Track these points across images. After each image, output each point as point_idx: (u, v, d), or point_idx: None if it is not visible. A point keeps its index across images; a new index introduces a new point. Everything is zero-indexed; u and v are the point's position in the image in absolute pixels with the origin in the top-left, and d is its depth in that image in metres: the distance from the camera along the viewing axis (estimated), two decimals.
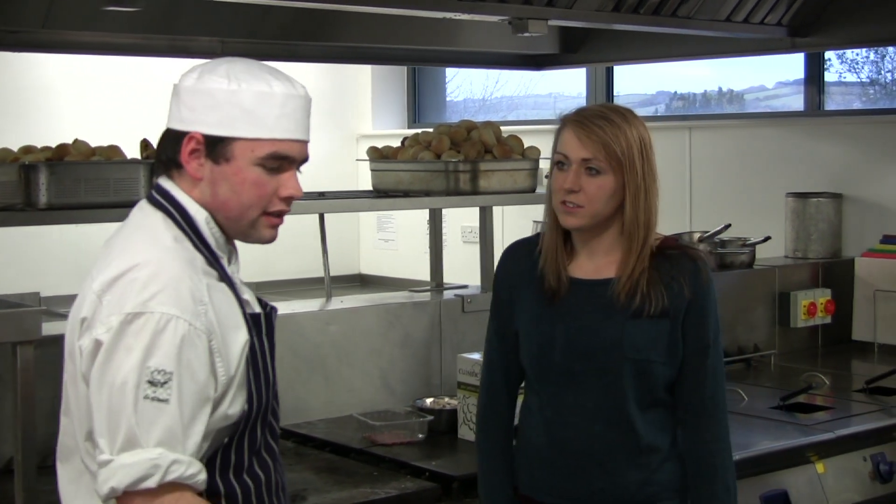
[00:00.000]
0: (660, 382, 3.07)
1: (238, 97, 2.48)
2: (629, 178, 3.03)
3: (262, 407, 2.52)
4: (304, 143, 2.57)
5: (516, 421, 3.28)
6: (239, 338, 2.46)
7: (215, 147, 2.48)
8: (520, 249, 3.25)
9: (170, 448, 2.30)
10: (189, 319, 2.35)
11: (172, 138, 2.52)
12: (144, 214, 2.53)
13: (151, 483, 2.27)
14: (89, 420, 2.37)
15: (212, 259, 2.50)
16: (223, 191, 2.50)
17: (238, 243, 2.63)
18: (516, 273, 3.21)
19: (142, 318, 2.31)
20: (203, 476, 2.36)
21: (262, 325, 2.55)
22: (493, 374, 3.28)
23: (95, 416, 2.32)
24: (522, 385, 3.27)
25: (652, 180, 3.07)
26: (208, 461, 2.42)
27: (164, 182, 2.54)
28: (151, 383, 2.29)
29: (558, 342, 3.09)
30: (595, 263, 3.12)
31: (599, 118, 3.04)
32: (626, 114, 3.09)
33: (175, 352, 2.32)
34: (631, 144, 3.03)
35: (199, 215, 2.50)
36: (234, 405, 2.45)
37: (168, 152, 2.53)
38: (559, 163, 3.08)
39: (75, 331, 2.42)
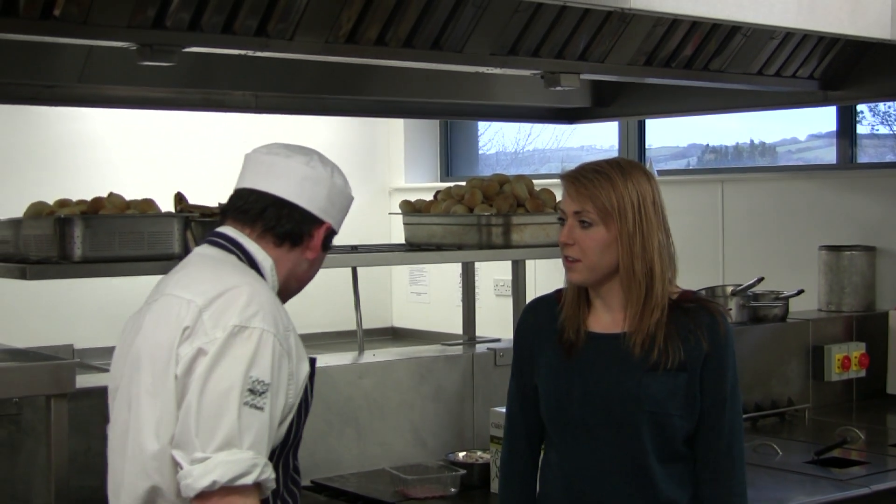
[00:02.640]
0: (678, 436, 3.06)
1: (349, 200, 2.94)
2: (621, 229, 3.03)
3: (297, 439, 2.78)
4: None
5: None
6: (304, 368, 2.73)
7: (328, 237, 2.89)
8: (540, 305, 3.28)
9: (257, 452, 2.55)
10: (280, 340, 2.63)
11: (305, 218, 2.84)
12: (216, 252, 2.80)
13: (249, 480, 2.51)
14: (173, 423, 2.57)
15: None
16: (314, 269, 2.91)
17: None
18: (536, 328, 3.23)
19: (246, 331, 2.58)
20: (274, 484, 2.62)
21: (312, 368, 2.80)
22: (515, 429, 3.29)
23: (192, 417, 2.53)
24: None
25: (651, 231, 3.05)
26: None
27: (230, 231, 2.82)
28: (252, 392, 2.55)
29: (575, 396, 3.09)
30: (612, 316, 3.12)
31: (593, 172, 3.09)
32: (625, 167, 3.10)
33: (271, 366, 2.59)
34: (623, 196, 3.04)
35: (266, 262, 2.80)
36: (283, 429, 2.68)
37: (291, 226, 2.82)
38: (560, 219, 3.14)
39: (173, 340, 2.61)
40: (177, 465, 2.55)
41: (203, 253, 2.82)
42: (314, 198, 2.83)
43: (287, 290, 2.88)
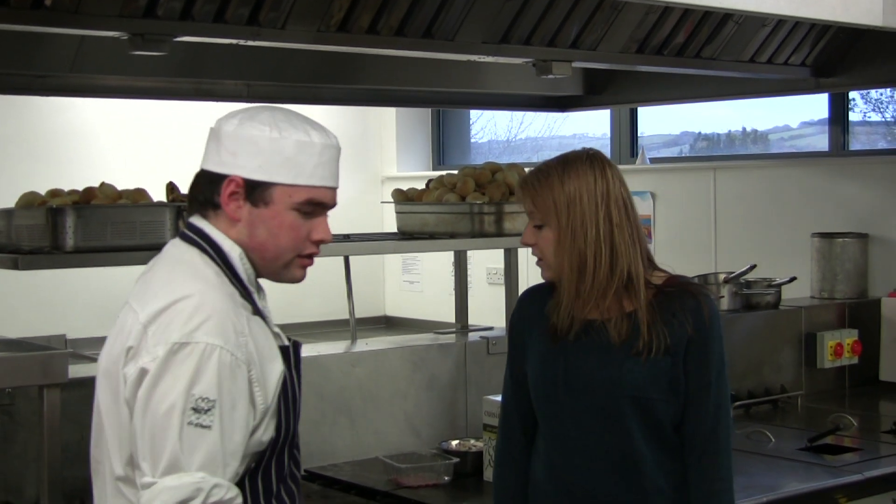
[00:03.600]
0: (665, 421, 3.06)
1: (279, 145, 2.60)
2: (561, 226, 3.06)
3: (289, 435, 2.64)
4: (335, 189, 2.69)
5: None
6: (275, 368, 2.59)
7: (255, 191, 2.60)
8: (535, 294, 3.28)
9: (210, 472, 2.41)
10: (231, 350, 2.47)
11: (210, 180, 2.64)
12: (181, 251, 2.64)
13: None
14: (130, 444, 2.48)
15: (245, 293, 2.62)
16: (261, 232, 2.62)
17: (263, 281, 2.74)
18: (529, 317, 3.24)
19: (188, 347, 2.43)
20: (240, 500, 2.47)
21: (290, 356, 2.66)
22: (509, 418, 3.30)
23: (138, 440, 2.43)
24: None
25: (587, 223, 3.04)
26: (239, 487, 2.51)
27: (198, 221, 2.66)
28: (196, 410, 2.41)
29: (559, 381, 3.11)
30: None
31: (536, 173, 3.13)
32: (569, 162, 3.11)
33: (218, 380, 2.44)
34: (559, 194, 3.06)
35: (234, 252, 2.62)
36: (267, 432, 2.57)
37: (205, 193, 2.64)
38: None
39: (120, 359, 2.51)
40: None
41: (170, 252, 2.68)
42: (211, 154, 2.64)
43: (259, 264, 2.65)
